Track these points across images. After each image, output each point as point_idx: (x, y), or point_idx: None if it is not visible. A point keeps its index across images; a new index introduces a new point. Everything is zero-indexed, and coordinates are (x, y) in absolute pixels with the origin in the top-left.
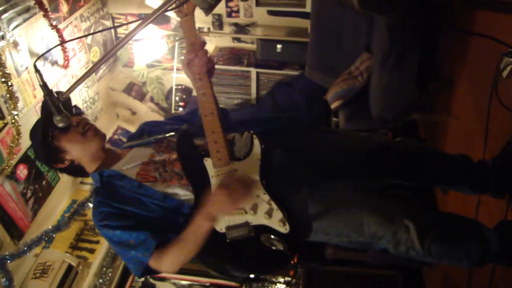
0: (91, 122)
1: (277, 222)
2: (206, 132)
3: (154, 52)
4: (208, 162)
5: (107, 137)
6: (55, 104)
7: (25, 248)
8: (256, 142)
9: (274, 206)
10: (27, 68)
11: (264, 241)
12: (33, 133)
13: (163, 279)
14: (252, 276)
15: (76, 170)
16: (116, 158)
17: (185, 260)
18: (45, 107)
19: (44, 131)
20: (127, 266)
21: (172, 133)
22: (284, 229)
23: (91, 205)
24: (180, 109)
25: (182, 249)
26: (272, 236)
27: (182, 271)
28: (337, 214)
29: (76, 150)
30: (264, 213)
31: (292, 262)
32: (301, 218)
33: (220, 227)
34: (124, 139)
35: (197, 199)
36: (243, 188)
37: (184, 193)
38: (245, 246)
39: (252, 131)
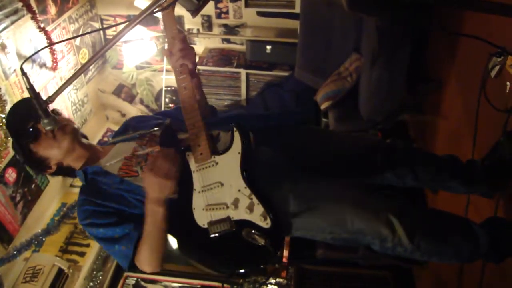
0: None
1: (258, 216)
2: (187, 126)
3: (144, 54)
4: (190, 157)
5: (97, 139)
6: (42, 107)
7: (15, 252)
8: (237, 135)
9: (255, 200)
10: (15, 70)
11: (246, 236)
12: (16, 152)
13: (154, 282)
14: (240, 271)
15: (67, 171)
16: (101, 154)
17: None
18: (9, 127)
19: (21, 149)
20: (116, 260)
21: (156, 128)
22: (265, 223)
23: None
24: None
25: (149, 243)
26: (253, 231)
27: (172, 273)
28: (320, 210)
29: (54, 154)
30: (245, 208)
31: (274, 256)
32: (283, 214)
33: (203, 222)
34: None
35: (179, 194)
36: (167, 161)
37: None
38: (228, 242)
39: (233, 124)
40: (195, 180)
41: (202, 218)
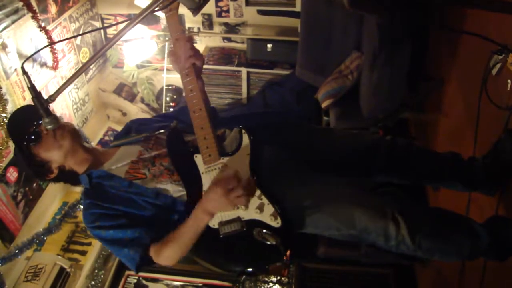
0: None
1: (268, 216)
2: (195, 128)
3: (144, 53)
4: (198, 159)
5: (98, 138)
6: (44, 106)
7: (16, 251)
8: (245, 137)
9: (265, 200)
10: (15, 70)
11: (257, 236)
12: (17, 157)
13: (155, 280)
14: (249, 270)
15: (69, 176)
16: (104, 158)
17: (182, 253)
18: (11, 132)
19: (23, 153)
20: (121, 262)
21: (161, 131)
22: (276, 223)
23: (82, 207)
24: (171, 109)
25: (180, 243)
26: (264, 231)
27: (174, 271)
28: (328, 208)
29: (55, 155)
30: (255, 208)
31: (285, 257)
32: (292, 212)
33: (213, 223)
34: None
35: (189, 195)
36: (239, 186)
37: (175, 189)
38: (239, 241)
39: (241, 126)
40: (204, 181)
41: (212, 218)
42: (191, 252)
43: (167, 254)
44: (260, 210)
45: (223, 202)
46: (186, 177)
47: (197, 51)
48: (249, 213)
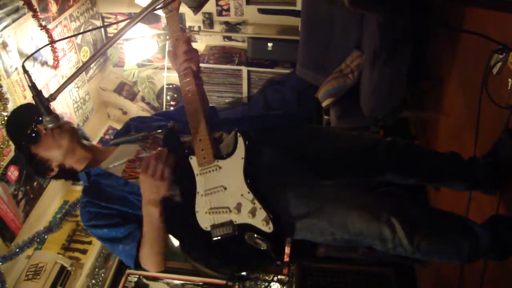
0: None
1: (260, 221)
2: (191, 130)
3: (145, 52)
4: (193, 160)
5: (98, 137)
6: (45, 104)
7: (17, 250)
8: (240, 140)
9: (257, 205)
10: (16, 69)
11: (248, 240)
12: (18, 156)
13: (156, 279)
14: (242, 274)
15: (69, 174)
16: (103, 156)
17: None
18: (9, 133)
19: (23, 153)
20: (121, 260)
21: (159, 130)
22: (267, 228)
23: None
24: (171, 108)
25: (148, 243)
26: (255, 235)
27: (175, 270)
28: (322, 212)
29: (55, 154)
30: (248, 212)
31: (276, 261)
32: (285, 216)
33: (205, 225)
34: None
35: (183, 196)
36: (160, 162)
37: (170, 190)
38: (230, 244)
39: (236, 129)
40: (198, 183)
41: (204, 221)
42: (184, 254)
43: (144, 257)
44: (252, 215)
45: (151, 186)
46: (180, 178)
47: (194, 53)
48: (242, 217)
